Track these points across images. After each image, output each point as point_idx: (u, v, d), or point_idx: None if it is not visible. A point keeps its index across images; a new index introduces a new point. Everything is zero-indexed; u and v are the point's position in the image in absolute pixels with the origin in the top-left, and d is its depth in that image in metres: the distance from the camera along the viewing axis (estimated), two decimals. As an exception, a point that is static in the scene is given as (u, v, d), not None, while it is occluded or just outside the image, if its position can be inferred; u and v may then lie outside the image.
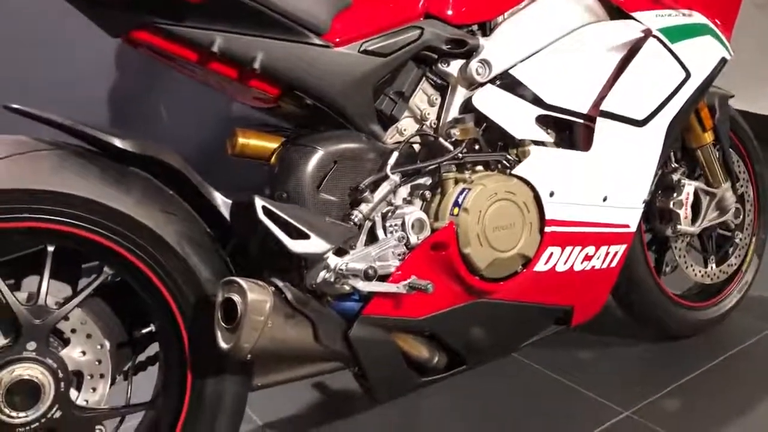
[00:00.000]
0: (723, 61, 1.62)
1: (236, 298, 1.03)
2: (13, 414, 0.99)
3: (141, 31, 1.08)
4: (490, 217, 1.26)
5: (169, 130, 2.28)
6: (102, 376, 1.10)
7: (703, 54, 1.56)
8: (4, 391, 0.98)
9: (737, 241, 1.94)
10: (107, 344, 1.11)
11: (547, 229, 1.35)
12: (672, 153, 1.77)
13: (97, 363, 1.10)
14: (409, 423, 1.63)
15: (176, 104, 2.28)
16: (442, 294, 1.26)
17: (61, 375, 1.03)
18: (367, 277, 1.10)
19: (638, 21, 1.46)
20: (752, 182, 1.97)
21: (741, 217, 1.90)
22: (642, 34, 1.45)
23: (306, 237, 1.09)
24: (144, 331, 1.16)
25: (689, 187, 1.75)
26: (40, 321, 1.01)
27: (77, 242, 1.04)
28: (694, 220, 1.79)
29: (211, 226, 1.17)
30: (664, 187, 1.75)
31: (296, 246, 1.08)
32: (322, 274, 1.13)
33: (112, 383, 1.13)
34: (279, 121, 1.35)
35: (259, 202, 1.07)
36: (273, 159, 1.23)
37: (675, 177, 1.74)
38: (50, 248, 1.04)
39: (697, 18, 1.56)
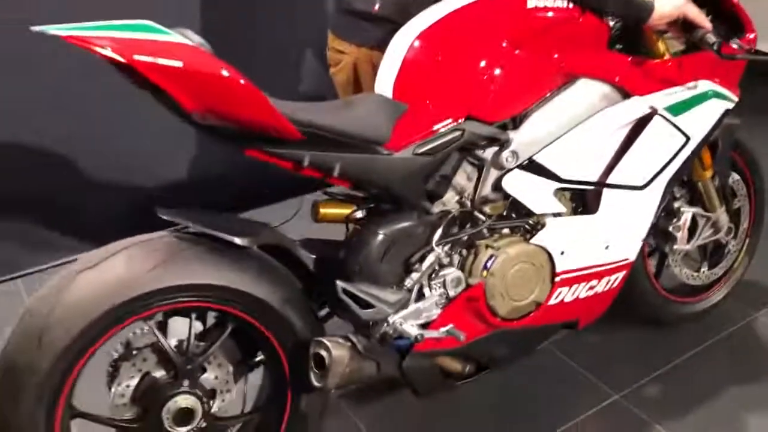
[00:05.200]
0: (726, 112, 1.88)
1: (324, 354, 1.47)
2: (177, 428, 1.47)
3: (252, 150, 1.45)
4: (512, 277, 1.64)
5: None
6: (228, 391, 1.58)
7: (704, 118, 1.82)
8: (172, 415, 1.45)
9: (730, 248, 2.25)
10: (231, 369, 1.57)
11: (557, 278, 1.72)
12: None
13: (225, 383, 1.56)
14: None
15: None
16: (472, 329, 1.68)
17: (205, 399, 1.50)
18: (416, 341, 1.52)
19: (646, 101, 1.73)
20: (751, 198, 2.24)
21: (733, 232, 2.20)
22: (649, 111, 1.73)
23: (372, 307, 1.50)
24: (256, 359, 1.61)
25: (687, 214, 2.05)
26: (191, 366, 1.47)
27: (213, 310, 1.48)
28: (690, 237, 2.10)
29: (304, 283, 1.59)
30: (666, 212, 2.06)
31: (366, 314, 1.51)
32: (384, 328, 1.55)
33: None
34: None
35: (339, 285, 1.49)
36: (349, 232, 1.62)
37: (676, 204, 2.05)
38: (194, 315, 1.48)
39: (702, 87, 1.80)
